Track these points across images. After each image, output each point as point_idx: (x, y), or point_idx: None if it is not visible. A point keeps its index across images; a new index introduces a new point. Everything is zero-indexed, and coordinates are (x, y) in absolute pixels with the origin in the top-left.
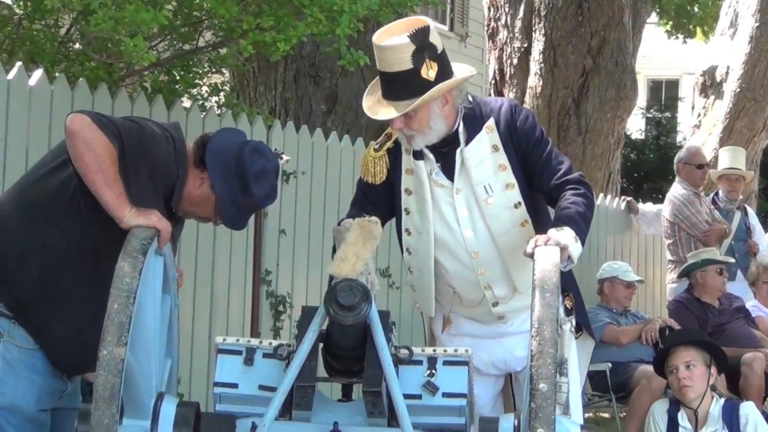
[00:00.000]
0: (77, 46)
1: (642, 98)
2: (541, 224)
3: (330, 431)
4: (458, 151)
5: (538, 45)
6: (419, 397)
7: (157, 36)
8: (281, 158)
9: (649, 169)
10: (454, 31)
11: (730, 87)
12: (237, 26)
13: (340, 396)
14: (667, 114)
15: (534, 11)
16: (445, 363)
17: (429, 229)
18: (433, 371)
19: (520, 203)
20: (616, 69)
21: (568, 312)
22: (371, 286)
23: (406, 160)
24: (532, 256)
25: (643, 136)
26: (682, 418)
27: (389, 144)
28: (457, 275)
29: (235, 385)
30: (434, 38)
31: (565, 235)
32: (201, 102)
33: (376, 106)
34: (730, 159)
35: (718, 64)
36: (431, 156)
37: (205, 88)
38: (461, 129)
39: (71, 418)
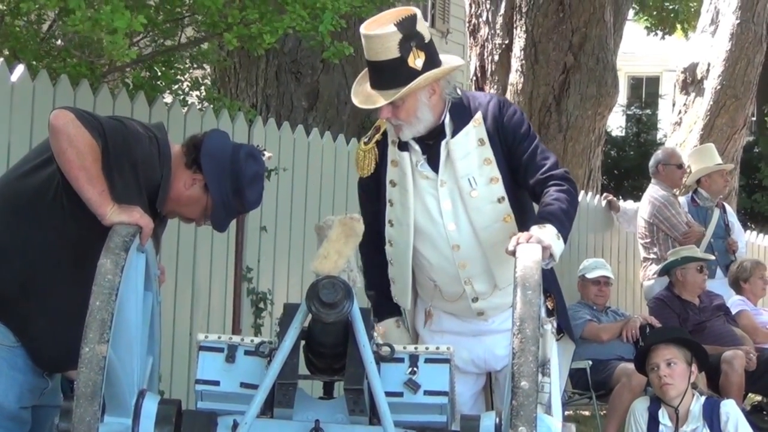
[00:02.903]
0: (60, 42)
1: (622, 95)
2: (525, 221)
3: (311, 429)
4: (444, 142)
5: (519, 41)
6: (401, 394)
7: (138, 32)
8: (263, 155)
9: (630, 166)
10: (435, 27)
11: (711, 84)
12: (221, 21)
13: (322, 394)
14: (648, 111)
15: (515, 8)
16: (427, 360)
17: (409, 221)
18: (415, 369)
19: (503, 198)
20: (597, 66)
21: (549, 313)
22: (353, 283)
23: (392, 152)
24: (513, 253)
25: (623, 134)
26: (663, 416)
27: (378, 137)
28: (438, 268)
29: (216, 383)
30: (421, 27)
31: (547, 232)
32: (182, 97)
33: (364, 96)
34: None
35: (699, 61)
36: (417, 147)
37: (186, 84)
38: (447, 120)
39: (51, 416)
